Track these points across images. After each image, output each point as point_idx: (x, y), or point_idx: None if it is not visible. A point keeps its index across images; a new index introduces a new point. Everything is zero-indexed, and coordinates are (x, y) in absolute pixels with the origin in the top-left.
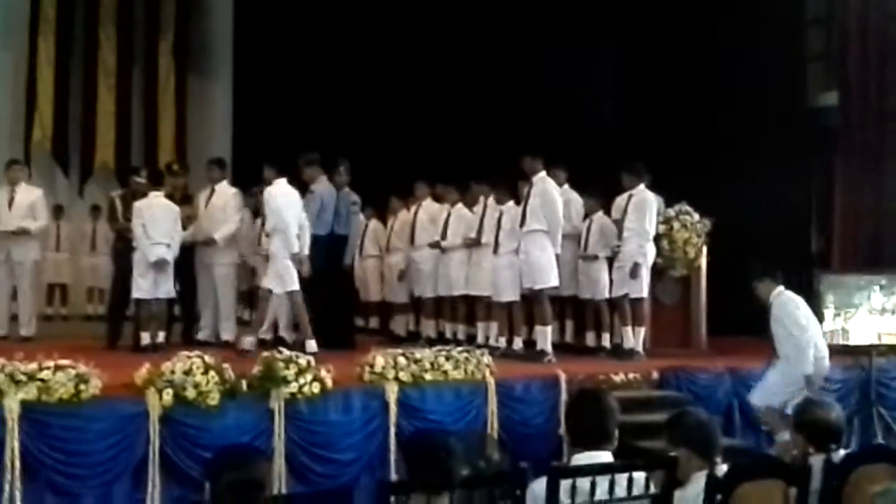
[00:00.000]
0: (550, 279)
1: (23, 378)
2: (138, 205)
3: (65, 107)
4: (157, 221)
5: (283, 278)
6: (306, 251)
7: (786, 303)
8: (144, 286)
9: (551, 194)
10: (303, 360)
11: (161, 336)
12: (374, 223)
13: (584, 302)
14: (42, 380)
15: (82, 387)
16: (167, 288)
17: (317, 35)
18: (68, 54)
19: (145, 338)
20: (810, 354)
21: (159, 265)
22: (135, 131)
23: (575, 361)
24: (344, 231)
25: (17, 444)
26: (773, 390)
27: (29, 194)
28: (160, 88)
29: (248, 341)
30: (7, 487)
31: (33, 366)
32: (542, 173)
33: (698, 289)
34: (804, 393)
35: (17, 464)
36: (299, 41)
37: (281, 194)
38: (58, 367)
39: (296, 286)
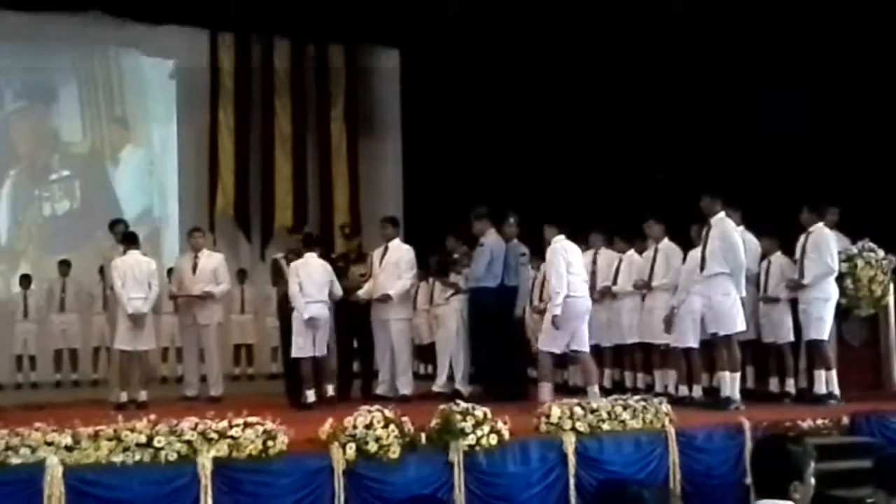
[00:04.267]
0: (737, 324)
1: (214, 436)
2: (294, 264)
3: (245, 174)
4: (312, 280)
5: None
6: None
7: (556, 250)
8: (302, 344)
9: (732, 235)
10: (479, 412)
11: (331, 389)
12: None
13: (766, 346)
14: (232, 437)
15: (270, 443)
16: (323, 345)
17: (482, 90)
18: (247, 124)
19: (309, 395)
20: (560, 299)
21: (314, 322)
22: (311, 195)
23: (758, 408)
24: (514, 282)
25: (210, 501)
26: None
27: (211, 259)
28: (333, 152)
29: None
30: None
31: (224, 424)
32: (721, 214)
33: (887, 328)
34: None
35: None
36: (465, 98)
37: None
38: (247, 425)
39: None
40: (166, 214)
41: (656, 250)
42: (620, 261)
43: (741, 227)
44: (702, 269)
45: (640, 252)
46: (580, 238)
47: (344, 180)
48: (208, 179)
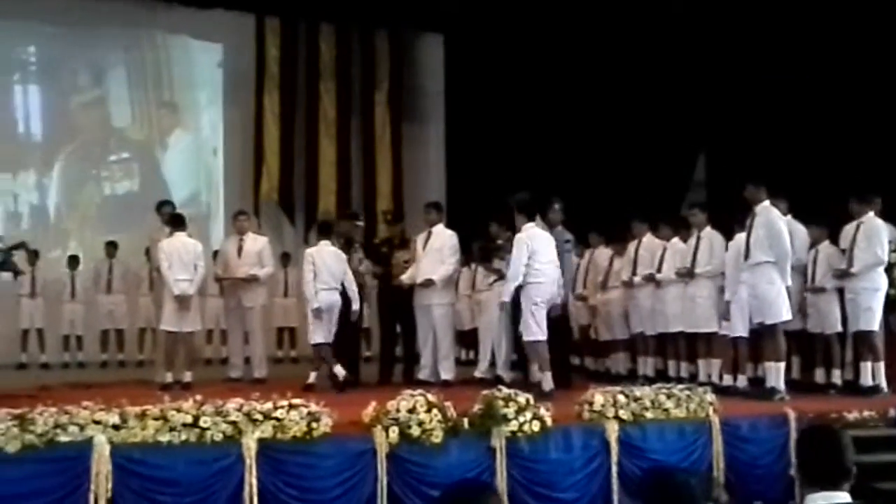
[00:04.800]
0: (782, 313)
1: (259, 417)
2: (308, 252)
3: (290, 159)
4: (327, 266)
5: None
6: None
7: (521, 239)
8: (319, 330)
9: (776, 224)
10: (522, 398)
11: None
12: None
13: (813, 336)
14: (277, 418)
15: (314, 425)
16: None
17: (525, 75)
18: (292, 109)
19: (339, 372)
20: (511, 286)
21: (322, 310)
22: (354, 179)
23: (803, 399)
24: None
25: (255, 481)
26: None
27: (256, 243)
28: (377, 137)
29: None
30: None
31: (268, 405)
32: (766, 202)
33: None
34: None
35: (255, 501)
36: (508, 84)
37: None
38: (291, 406)
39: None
40: (213, 198)
41: (699, 238)
42: (665, 249)
43: (788, 216)
44: (746, 257)
45: (685, 240)
46: (623, 226)
47: (387, 165)
48: (253, 164)
